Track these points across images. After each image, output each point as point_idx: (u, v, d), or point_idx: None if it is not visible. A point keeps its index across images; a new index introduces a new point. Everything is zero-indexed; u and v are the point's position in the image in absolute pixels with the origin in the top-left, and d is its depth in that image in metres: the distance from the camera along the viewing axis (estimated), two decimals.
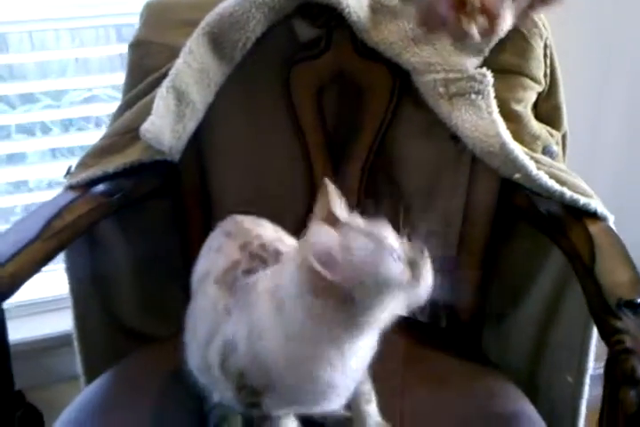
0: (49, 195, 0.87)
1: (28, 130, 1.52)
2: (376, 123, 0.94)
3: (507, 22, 0.47)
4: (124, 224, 0.94)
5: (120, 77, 0.94)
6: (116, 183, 0.88)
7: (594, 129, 1.19)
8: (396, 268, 0.53)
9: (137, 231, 0.95)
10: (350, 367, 0.57)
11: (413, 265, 0.54)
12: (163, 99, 0.84)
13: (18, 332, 0.91)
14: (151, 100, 0.86)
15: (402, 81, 0.91)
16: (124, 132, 0.88)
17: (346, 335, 0.55)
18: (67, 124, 1.53)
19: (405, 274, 0.53)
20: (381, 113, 0.94)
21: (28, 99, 1.37)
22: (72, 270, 0.91)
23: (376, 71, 0.92)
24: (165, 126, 0.84)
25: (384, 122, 0.94)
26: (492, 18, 0.45)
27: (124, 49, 0.93)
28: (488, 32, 0.46)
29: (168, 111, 0.84)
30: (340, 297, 0.52)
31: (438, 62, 0.85)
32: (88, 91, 1.67)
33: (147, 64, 0.90)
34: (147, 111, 0.86)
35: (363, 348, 0.58)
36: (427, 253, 0.56)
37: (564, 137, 0.92)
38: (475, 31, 0.45)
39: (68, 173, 0.89)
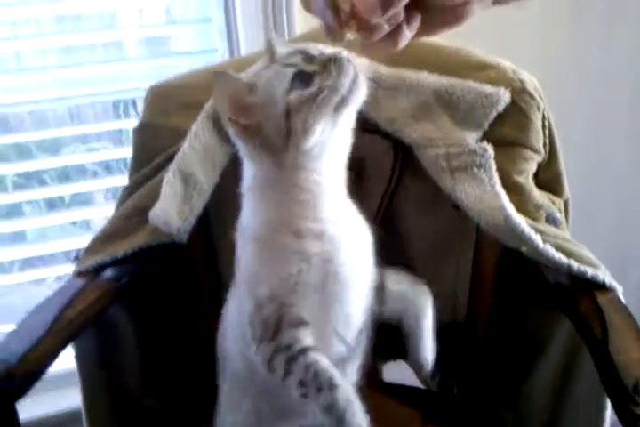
0: None
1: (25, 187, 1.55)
2: (379, 194, 0.95)
3: (404, 35, 0.48)
4: (131, 304, 0.93)
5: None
6: (122, 267, 0.88)
7: (591, 192, 1.20)
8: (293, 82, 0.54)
9: (143, 309, 0.95)
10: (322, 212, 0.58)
11: (329, 64, 0.54)
12: (170, 183, 0.85)
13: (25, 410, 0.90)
14: (157, 183, 0.87)
15: (404, 153, 0.92)
16: (131, 215, 0.89)
17: (291, 174, 0.57)
18: (64, 180, 1.56)
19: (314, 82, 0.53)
20: (384, 185, 0.94)
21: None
22: (80, 354, 0.91)
23: (377, 144, 0.93)
24: (173, 209, 0.85)
25: (386, 193, 0.95)
26: (364, 27, 0.47)
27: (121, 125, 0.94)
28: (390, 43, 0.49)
29: (175, 194, 0.85)
30: (264, 133, 0.54)
31: (439, 137, 0.87)
32: (83, 144, 1.70)
33: (152, 146, 0.91)
34: (152, 194, 0.86)
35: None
36: (344, 53, 0.55)
37: (565, 203, 0.93)
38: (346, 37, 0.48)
39: (76, 258, 0.89)
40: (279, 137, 0.54)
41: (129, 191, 0.92)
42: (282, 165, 0.56)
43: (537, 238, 0.82)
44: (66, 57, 1.26)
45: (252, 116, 0.54)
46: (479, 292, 0.95)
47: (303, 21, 1.16)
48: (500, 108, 0.85)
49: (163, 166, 0.88)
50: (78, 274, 0.88)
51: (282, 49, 0.62)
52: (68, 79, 1.17)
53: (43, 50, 1.25)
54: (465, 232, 0.94)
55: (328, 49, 0.58)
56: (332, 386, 0.58)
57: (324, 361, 0.60)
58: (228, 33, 1.19)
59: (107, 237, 0.89)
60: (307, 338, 0.61)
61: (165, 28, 1.32)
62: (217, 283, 0.96)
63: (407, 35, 0.48)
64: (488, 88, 0.85)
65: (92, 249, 0.89)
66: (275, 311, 0.58)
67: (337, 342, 0.63)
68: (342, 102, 0.54)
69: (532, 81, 0.87)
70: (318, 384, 0.58)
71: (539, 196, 0.89)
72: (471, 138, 0.86)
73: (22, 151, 1.49)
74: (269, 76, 0.55)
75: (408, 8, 0.47)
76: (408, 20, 0.48)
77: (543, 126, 0.88)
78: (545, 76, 0.89)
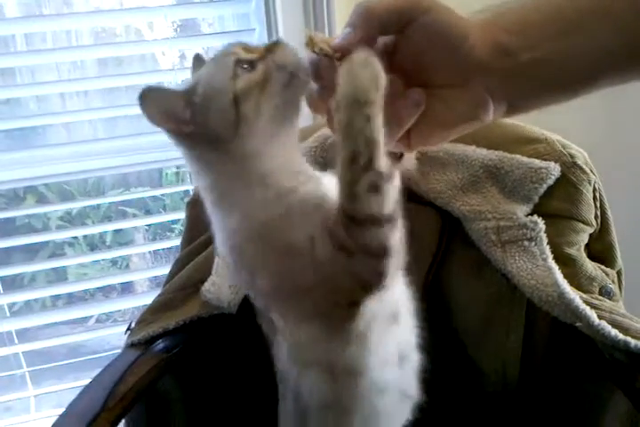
0: None
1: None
2: (426, 264, 0.94)
3: (408, 111, 0.48)
4: (180, 373, 0.94)
5: None
6: (173, 338, 0.89)
7: None
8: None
9: (192, 378, 0.95)
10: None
11: (269, 49, 0.53)
12: (222, 258, 0.86)
13: None
14: (208, 256, 0.89)
15: (452, 224, 0.92)
16: (182, 287, 0.90)
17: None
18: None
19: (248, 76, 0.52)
20: (431, 255, 0.94)
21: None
22: (128, 421, 0.92)
23: (425, 215, 0.93)
24: (225, 284, 0.86)
25: (434, 263, 0.95)
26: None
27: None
28: (395, 122, 0.48)
29: (227, 269, 0.86)
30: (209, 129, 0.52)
31: (488, 210, 0.87)
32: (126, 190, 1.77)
33: (204, 220, 0.92)
34: (204, 267, 0.88)
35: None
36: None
37: (619, 273, 0.92)
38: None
39: (129, 329, 0.91)
40: (227, 127, 0.52)
41: (181, 263, 0.93)
42: (232, 156, 0.54)
43: (592, 315, 0.80)
44: (108, 98, 1.33)
45: (195, 120, 0.53)
46: (530, 362, 0.93)
47: (344, 9, 1.18)
48: (551, 182, 0.85)
49: (214, 239, 0.89)
50: (130, 345, 0.89)
51: None
52: (116, 148, 1.21)
53: (86, 92, 1.32)
54: (514, 302, 0.93)
55: None
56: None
57: None
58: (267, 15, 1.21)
59: (159, 308, 0.91)
60: None
61: None
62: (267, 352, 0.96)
63: (410, 112, 0.48)
64: (537, 163, 0.85)
65: (144, 320, 0.91)
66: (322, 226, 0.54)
67: None
68: (291, 80, 0.53)
69: (582, 155, 0.87)
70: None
71: (591, 268, 0.88)
72: (521, 211, 0.86)
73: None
74: (209, 68, 0.54)
75: (407, 84, 0.47)
76: (409, 94, 0.47)
77: (594, 198, 0.88)
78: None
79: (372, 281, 0.55)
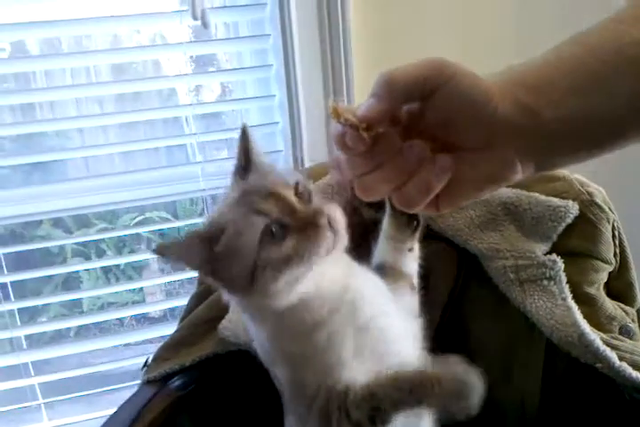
0: None
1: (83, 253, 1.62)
2: (443, 301, 0.94)
3: (437, 177, 0.47)
4: (195, 410, 0.93)
5: None
6: (190, 374, 0.89)
7: None
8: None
9: (207, 415, 0.95)
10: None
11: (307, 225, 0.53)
12: None
13: None
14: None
15: (469, 261, 0.92)
16: (199, 324, 0.90)
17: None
18: (120, 247, 1.62)
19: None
20: (448, 291, 0.94)
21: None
22: None
23: (442, 252, 0.93)
24: (241, 321, 0.86)
25: (451, 300, 0.94)
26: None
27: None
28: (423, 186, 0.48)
29: None
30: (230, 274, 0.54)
31: (506, 249, 0.86)
32: (141, 215, 1.77)
33: None
34: (219, 303, 0.87)
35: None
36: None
37: (638, 312, 0.91)
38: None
39: (146, 365, 0.91)
40: (242, 281, 0.54)
41: (197, 299, 0.93)
42: (249, 297, 0.56)
43: (613, 356, 0.79)
44: (126, 133, 1.33)
45: (213, 264, 0.54)
46: (549, 401, 0.91)
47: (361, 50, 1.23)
48: (569, 220, 0.85)
49: None
50: (147, 382, 0.88)
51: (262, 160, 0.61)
52: (133, 181, 1.23)
53: (104, 127, 1.32)
54: (533, 340, 0.91)
55: (314, 196, 0.58)
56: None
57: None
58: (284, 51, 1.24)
59: (175, 344, 0.91)
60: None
61: (222, 105, 1.38)
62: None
63: (438, 178, 0.46)
64: (556, 201, 0.85)
65: (161, 356, 0.91)
66: (327, 392, 0.58)
67: None
68: (316, 260, 0.54)
69: (600, 193, 0.87)
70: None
71: (611, 307, 0.87)
72: (540, 249, 0.85)
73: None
74: (238, 224, 0.54)
75: (435, 148, 0.47)
76: (437, 160, 0.46)
77: (613, 236, 0.87)
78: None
79: None
